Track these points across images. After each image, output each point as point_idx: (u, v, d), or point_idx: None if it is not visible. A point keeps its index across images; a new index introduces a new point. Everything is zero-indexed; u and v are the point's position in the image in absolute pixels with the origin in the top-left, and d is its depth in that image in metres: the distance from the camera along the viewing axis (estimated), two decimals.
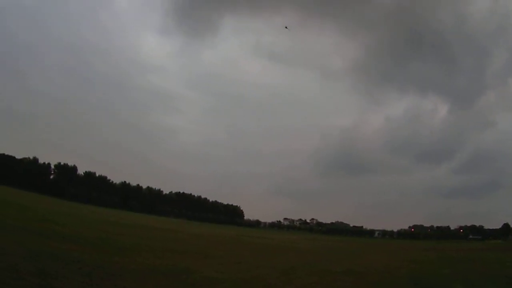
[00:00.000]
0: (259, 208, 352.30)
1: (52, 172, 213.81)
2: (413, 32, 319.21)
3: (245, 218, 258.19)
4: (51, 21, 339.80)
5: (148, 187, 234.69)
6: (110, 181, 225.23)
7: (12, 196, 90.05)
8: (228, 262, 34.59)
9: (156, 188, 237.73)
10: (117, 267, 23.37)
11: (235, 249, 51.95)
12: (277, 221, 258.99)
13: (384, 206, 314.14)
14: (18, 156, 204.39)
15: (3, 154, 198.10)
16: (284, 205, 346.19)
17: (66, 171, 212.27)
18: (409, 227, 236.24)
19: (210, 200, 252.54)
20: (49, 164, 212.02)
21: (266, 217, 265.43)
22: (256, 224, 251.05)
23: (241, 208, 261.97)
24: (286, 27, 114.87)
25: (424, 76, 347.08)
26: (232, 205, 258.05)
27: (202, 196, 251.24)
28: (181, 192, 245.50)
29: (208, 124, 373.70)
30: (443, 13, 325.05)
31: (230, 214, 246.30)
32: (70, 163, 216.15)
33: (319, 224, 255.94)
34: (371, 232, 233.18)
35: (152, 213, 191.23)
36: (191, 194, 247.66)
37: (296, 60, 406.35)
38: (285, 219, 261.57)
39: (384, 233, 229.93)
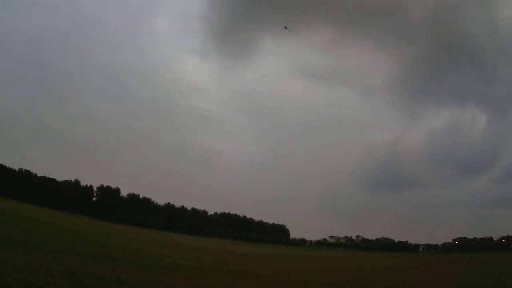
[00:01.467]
0: (304, 226, 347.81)
1: (95, 195, 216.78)
2: (448, 44, 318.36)
3: (291, 236, 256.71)
4: (89, 47, 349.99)
5: (193, 208, 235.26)
6: (154, 203, 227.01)
7: (54, 218, 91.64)
8: (274, 281, 34.29)
9: (201, 209, 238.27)
10: (162, 287, 23.07)
11: (281, 268, 51.47)
12: (323, 239, 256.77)
13: (428, 220, 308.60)
14: (59, 179, 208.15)
15: (44, 177, 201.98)
16: (330, 223, 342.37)
17: (109, 193, 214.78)
18: (453, 239, 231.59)
19: (256, 220, 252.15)
20: (91, 186, 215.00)
21: (312, 235, 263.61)
22: (302, 242, 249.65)
23: (287, 227, 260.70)
24: (285, 27, 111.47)
25: (461, 87, 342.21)
26: (278, 224, 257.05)
27: (248, 216, 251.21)
28: (226, 212, 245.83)
29: (251, 144, 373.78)
30: (477, 24, 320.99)
31: (276, 233, 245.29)
32: (113, 186, 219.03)
33: (364, 240, 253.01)
34: (415, 247, 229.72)
35: (197, 234, 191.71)
36: (236, 214, 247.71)
37: (336, 77, 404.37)
38: (330, 236, 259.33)
39: (429, 247, 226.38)
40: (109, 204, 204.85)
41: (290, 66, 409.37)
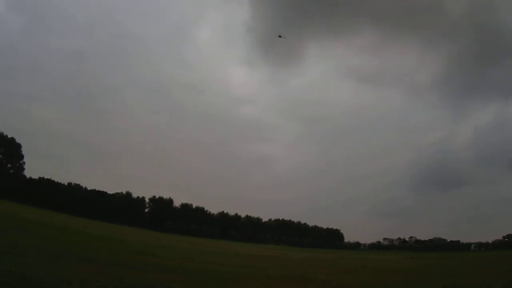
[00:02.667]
0: (359, 229, 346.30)
1: (147, 206, 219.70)
2: (490, 38, 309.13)
3: (345, 240, 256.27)
4: (133, 61, 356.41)
5: (247, 215, 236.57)
6: (208, 212, 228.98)
7: (105, 231, 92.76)
8: (329, 285, 34.05)
9: (255, 217, 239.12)
10: None
11: (336, 272, 50.65)
12: (377, 241, 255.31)
13: (479, 218, 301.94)
14: (110, 191, 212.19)
15: (94, 190, 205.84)
16: (383, 225, 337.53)
17: (161, 204, 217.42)
18: (503, 237, 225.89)
19: (310, 225, 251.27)
20: (143, 198, 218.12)
21: (366, 238, 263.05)
22: (356, 246, 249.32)
23: (341, 231, 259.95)
24: (280, 36, 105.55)
25: (506, 81, 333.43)
26: (332, 228, 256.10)
27: (302, 222, 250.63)
28: (281, 219, 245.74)
29: (302, 149, 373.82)
30: None
31: (331, 238, 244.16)
32: (165, 197, 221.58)
33: (418, 241, 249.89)
34: (467, 246, 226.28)
35: (252, 241, 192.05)
36: (290, 220, 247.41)
37: (382, 79, 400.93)
38: (384, 239, 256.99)
39: (480, 245, 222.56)
40: (162, 215, 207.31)
41: (337, 70, 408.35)
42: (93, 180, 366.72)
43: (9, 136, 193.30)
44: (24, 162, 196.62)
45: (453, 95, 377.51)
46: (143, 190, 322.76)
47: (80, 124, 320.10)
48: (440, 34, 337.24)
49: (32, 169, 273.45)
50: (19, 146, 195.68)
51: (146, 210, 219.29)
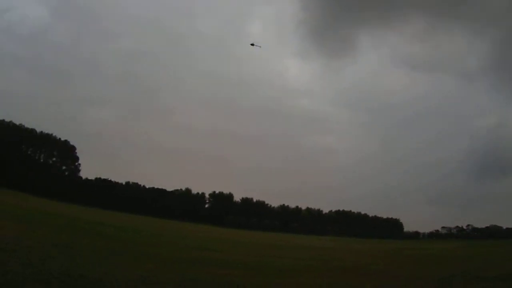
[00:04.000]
0: (417, 218, 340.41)
1: (207, 202, 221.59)
2: None
3: (404, 230, 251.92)
4: (187, 58, 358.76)
5: (307, 208, 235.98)
6: (269, 205, 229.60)
7: (166, 227, 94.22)
8: (388, 276, 33.79)
9: (315, 208, 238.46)
10: None
11: (395, 262, 50.22)
12: (435, 230, 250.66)
13: None
14: (169, 188, 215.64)
15: (153, 188, 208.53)
16: (441, 213, 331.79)
17: (222, 199, 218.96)
18: None
19: (370, 215, 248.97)
20: (203, 194, 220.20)
21: (425, 227, 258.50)
22: (415, 235, 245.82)
23: (400, 221, 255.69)
24: (252, 44, 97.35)
25: None
26: (391, 218, 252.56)
27: (362, 212, 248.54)
28: (341, 210, 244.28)
29: (360, 140, 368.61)
30: None
31: (390, 228, 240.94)
32: (225, 192, 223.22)
33: (475, 229, 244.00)
34: None
35: (312, 233, 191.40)
36: (350, 211, 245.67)
37: (434, 66, 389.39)
38: (442, 227, 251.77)
39: None
40: (222, 210, 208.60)
41: (390, 58, 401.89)
42: (152, 178, 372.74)
43: (62, 139, 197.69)
44: (79, 164, 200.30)
45: (506, 78, 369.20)
46: (203, 186, 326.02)
47: (137, 123, 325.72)
48: (488, 16, 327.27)
49: (90, 170, 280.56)
50: (73, 148, 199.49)
51: (206, 205, 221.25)
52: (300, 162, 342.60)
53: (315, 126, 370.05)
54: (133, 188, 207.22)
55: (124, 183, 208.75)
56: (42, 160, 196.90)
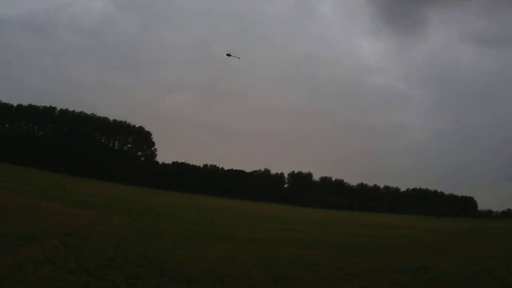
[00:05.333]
0: (491, 196, 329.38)
1: (287, 181, 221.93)
2: None
3: (478, 208, 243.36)
4: (258, 42, 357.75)
5: (385, 186, 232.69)
6: (347, 184, 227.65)
7: (246, 208, 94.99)
8: (462, 255, 32.93)
9: (393, 186, 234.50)
10: (357, 268, 23.11)
11: (468, 241, 49.02)
12: (507, 209, 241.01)
13: None
14: (248, 170, 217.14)
15: (232, 170, 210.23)
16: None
17: (301, 179, 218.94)
18: None
19: (446, 193, 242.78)
20: (282, 174, 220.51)
21: (498, 206, 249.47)
22: (489, 214, 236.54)
23: (475, 199, 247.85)
24: (228, 55, 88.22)
25: None
26: (466, 196, 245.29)
27: (438, 190, 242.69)
28: (418, 188, 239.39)
29: (435, 117, 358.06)
30: None
31: (464, 206, 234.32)
32: (304, 171, 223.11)
33: None
34: None
35: (390, 212, 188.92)
36: (427, 189, 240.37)
37: (501, 40, 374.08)
38: None
39: None
40: (302, 190, 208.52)
41: (458, 34, 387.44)
42: (230, 160, 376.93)
43: (137, 125, 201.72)
44: (155, 149, 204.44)
45: None
46: (282, 166, 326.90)
47: (213, 107, 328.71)
48: None
49: (166, 155, 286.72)
50: (148, 134, 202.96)
51: (286, 185, 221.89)
52: (377, 140, 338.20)
53: (389, 104, 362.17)
54: (211, 171, 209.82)
55: (201, 166, 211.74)
56: (116, 148, 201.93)
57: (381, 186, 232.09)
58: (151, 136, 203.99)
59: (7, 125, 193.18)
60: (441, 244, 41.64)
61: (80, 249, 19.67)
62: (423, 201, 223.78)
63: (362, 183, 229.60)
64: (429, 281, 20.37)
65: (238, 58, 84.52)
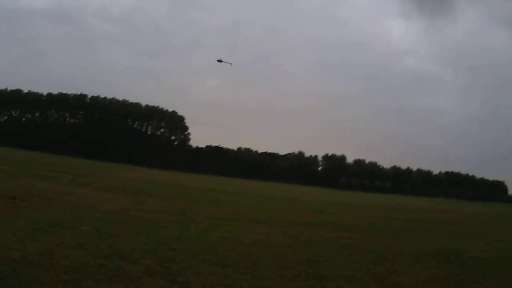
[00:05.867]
0: None
1: (320, 164, 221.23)
2: None
3: (509, 193, 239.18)
4: (287, 25, 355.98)
5: (418, 169, 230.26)
6: (381, 166, 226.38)
7: (280, 190, 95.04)
8: (493, 240, 32.41)
9: (426, 170, 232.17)
10: (390, 251, 23.08)
11: (500, 226, 48.55)
12: None
13: None
14: (282, 153, 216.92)
15: (265, 152, 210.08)
16: None
17: (334, 161, 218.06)
18: None
19: (477, 178, 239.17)
20: (316, 156, 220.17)
21: None
22: None
23: (505, 183, 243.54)
24: (220, 61, 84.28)
25: None
26: (497, 180, 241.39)
27: (470, 174, 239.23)
28: (450, 171, 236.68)
29: (466, 100, 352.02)
30: None
31: (495, 190, 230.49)
32: (338, 154, 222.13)
33: None
34: None
35: (423, 195, 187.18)
36: (459, 172, 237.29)
37: None
38: None
39: None
40: (335, 172, 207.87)
41: (489, 16, 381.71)
42: (264, 143, 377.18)
43: (170, 110, 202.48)
44: (189, 133, 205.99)
45: None
46: (315, 149, 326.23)
47: (247, 90, 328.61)
48: None
49: (200, 139, 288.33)
50: (182, 118, 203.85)
51: (319, 168, 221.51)
52: (408, 123, 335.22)
53: (421, 87, 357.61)
54: (245, 154, 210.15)
55: (235, 149, 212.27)
56: (149, 132, 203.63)
57: (414, 169, 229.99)
58: (184, 120, 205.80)
59: (37, 114, 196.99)
60: (472, 229, 41.33)
61: (113, 234, 19.87)
62: (455, 185, 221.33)
63: (395, 166, 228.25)
64: (459, 266, 20.18)
65: (231, 64, 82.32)
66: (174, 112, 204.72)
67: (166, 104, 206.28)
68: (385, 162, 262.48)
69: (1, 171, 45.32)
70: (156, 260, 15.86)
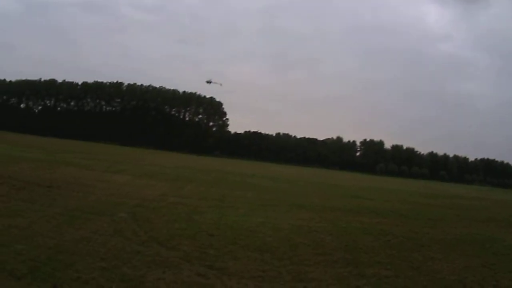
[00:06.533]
0: None
1: (358, 149, 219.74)
2: None
3: None
4: (321, 10, 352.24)
5: (455, 155, 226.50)
6: (418, 152, 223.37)
7: (318, 176, 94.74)
8: None
9: (462, 156, 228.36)
10: (426, 238, 22.90)
11: None
12: None
13: None
14: (321, 137, 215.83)
15: (304, 138, 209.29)
16: None
17: (372, 146, 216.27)
18: None
19: None
20: (354, 142, 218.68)
21: None
22: None
23: None
24: (208, 82, 79.37)
25: None
26: None
27: (505, 161, 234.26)
28: (485, 158, 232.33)
29: (501, 86, 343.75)
30: None
31: None
32: (376, 139, 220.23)
33: None
34: None
35: (459, 181, 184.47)
36: (494, 159, 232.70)
37: None
38: None
39: None
40: (373, 158, 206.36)
41: None
42: (302, 128, 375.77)
43: (207, 96, 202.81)
44: (227, 119, 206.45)
45: None
46: (354, 134, 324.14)
47: (283, 76, 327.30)
48: None
49: (238, 125, 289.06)
50: (220, 104, 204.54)
51: (358, 153, 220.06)
52: (447, 108, 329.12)
53: (457, 71, 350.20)
54: (284, 139, 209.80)
55: (274, 134, 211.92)
56: (187, 119, 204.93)
57: (451, 155, 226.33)
58: (222, 106, 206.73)
59: (72, 103, 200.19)
60: (507, 217, 40.53)
61: (151, 220, 19.99)
62: (490, 172, 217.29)
63: (432, 151, 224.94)
64: (495, 254, 19.98)
65: (220, 84, 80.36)
66: (211, 98, 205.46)
67: (203, 90, 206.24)
68: (422, 148, 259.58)
69: (36, 160, 45.32)
70: (194, 246, 16.04)
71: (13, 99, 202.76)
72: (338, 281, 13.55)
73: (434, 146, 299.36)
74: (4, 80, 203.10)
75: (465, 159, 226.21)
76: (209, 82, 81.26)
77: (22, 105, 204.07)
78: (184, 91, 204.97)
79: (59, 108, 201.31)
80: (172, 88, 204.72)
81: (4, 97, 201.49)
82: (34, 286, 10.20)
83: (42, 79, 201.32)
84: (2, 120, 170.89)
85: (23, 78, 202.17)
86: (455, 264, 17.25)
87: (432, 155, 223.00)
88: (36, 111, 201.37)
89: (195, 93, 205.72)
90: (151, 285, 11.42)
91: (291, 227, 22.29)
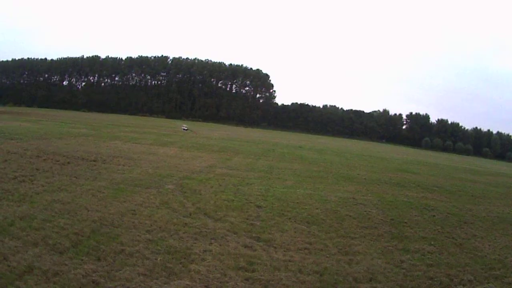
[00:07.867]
0: None
1: (404, 123, 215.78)
2: None
3: None
4: None
5: (498, 132, 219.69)
6: (463, 127, 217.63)
7: (365, 148, 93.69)
8: None
9: (506, 133, 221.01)
10: (469, 215, 22.43)
11: None
12: None
13: None
14: (367, 110, 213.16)
15: (351, 110, 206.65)
16: None
17: (418, 120, 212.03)
18: None
19: None
20: (400, 115, 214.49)
21: None
22: None
23: None
24: (185, 129, 72.92)
25: None
26: None
27: None
28: None
29: None
30: None
31: None
32: (422, 113, 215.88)
33: None
34: None
35: (502, 159, 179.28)
36: None
37: None
38: None
39: None
40: (418, 131, 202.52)
41: None
42: (350, 101, 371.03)
43: (254, 68, 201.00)
44: (274, 91, 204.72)
45: None
46: (400, 107, 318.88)
47: (328, 48, 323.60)
48: None
49: (286, 97, 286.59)
50: (266, 76, 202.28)
51: (404, 127, 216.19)
52: (491, 85, 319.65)
53: (503, 47, 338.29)
54: (331, 111, 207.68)
55: (321, 106, 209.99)
56: (234, 91, 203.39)
57: (494, 131, 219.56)
58: (269, 79, 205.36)
59: (117, 78, 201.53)
60: None
61: (198, 192, 19.84)
62: None
63: (476, 127, 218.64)
64: None
65: (196, 134, 77.26)
66: (258, 70, 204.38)
67: (251, 63, 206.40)
68: (467, 123, 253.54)
69: (81, 135, 44.95)
70: (241, 218, 16.01)
71: (55, 77, 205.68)
72: (383, 255, 13.44)
73: (478, 122, 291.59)
74: (45, 59, 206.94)
75: (508, 136, 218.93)
76: (185, 129, 79.69)
77: (64, 82, 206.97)
78: (231, 64, 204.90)
79: (103, 84, 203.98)
80: (218, 61, 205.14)
81: (46, 75, 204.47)
82: (76, 259, 10.13)
83: (85, 56, 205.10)
84: (45, 98, 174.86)
85: (65, 56, 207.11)
86: (496, 243, 16.91)
87: (476, 131, 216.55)
88: (80, 87, 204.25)
89: (242, 65, 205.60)
90: (197, 257, 11.38)
91: (337, 199, 22.13)
